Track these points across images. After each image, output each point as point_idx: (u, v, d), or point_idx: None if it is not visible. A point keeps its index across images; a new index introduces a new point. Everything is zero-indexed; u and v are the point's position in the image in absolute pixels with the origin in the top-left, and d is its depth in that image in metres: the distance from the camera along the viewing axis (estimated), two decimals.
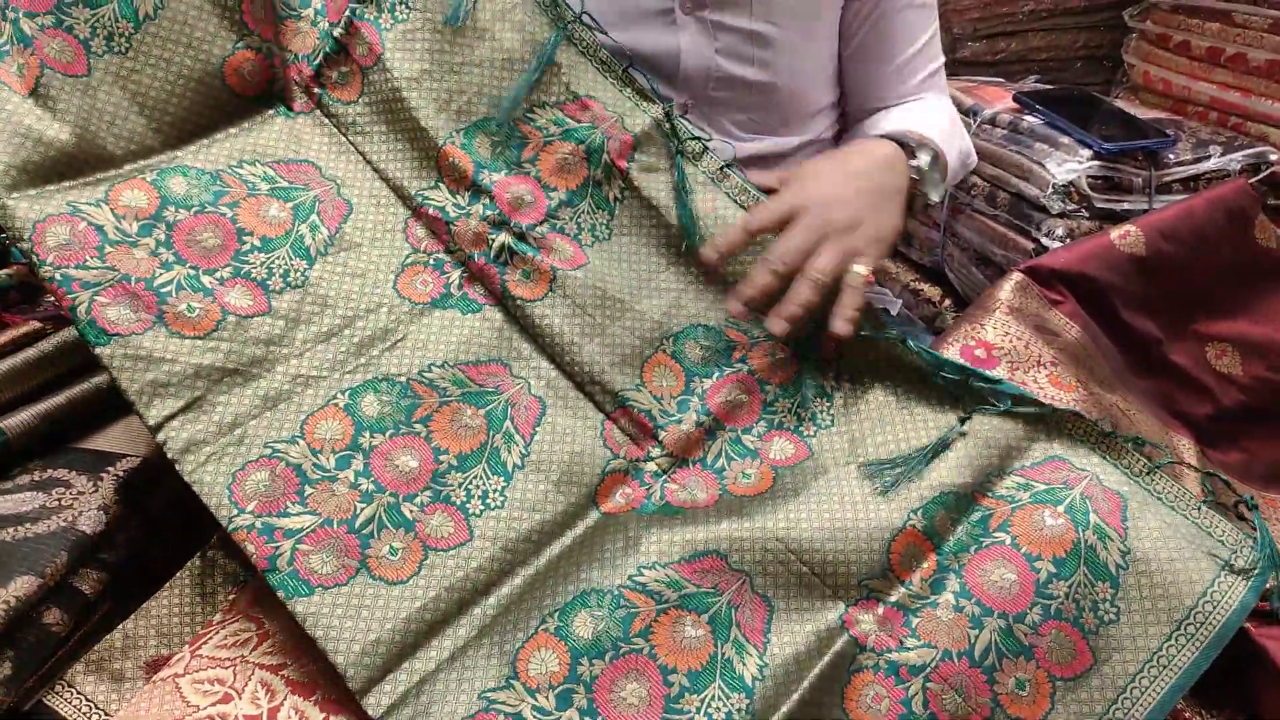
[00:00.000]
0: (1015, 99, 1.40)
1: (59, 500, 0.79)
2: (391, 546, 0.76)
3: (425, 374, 0.84)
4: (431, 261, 0.91)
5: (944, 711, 0.72)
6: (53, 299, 0.90)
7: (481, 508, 0.79)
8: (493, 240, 0.90)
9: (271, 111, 0.94)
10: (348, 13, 0.93)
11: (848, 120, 1.18)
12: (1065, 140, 1.27)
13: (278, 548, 0.74)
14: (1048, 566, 0.74)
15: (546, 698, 0.72)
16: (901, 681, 0.73)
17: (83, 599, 0.76)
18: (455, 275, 0.90)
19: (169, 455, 0.76)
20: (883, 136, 0.98)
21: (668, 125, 0.92)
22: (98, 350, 0.76)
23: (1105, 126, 1.30)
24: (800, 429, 0.86)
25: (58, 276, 0.77)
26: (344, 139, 0.94)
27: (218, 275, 0.82)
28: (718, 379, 0.88)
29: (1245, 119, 1.46)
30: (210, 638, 0.75)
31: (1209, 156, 1.26)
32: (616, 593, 0.76)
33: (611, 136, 0.92)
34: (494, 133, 0.92)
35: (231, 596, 0.79)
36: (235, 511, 0.74)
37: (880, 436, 0.84)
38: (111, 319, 0.77)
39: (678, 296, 0.90)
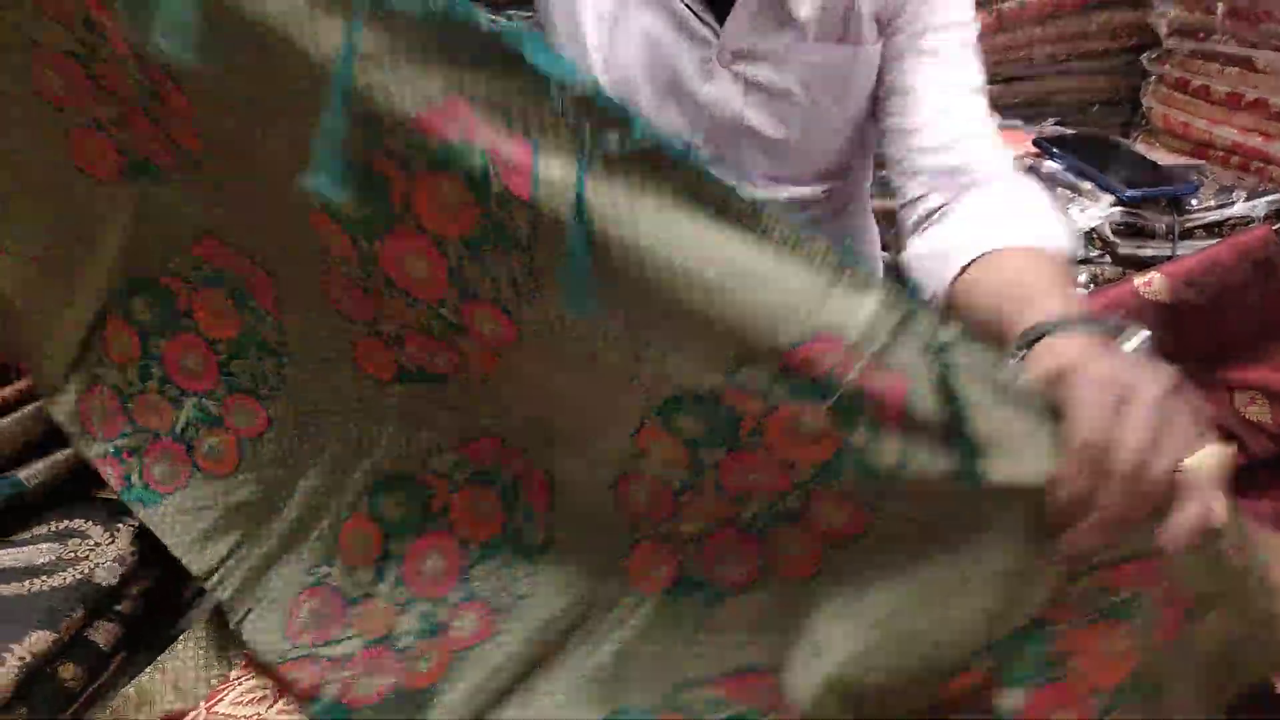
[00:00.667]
0: (1035, 143, 1.40)
1: (75, 552, 0.78)
2: (426, 656, 0.73)
3: (427, 462, 0.79)
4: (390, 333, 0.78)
5: None
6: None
7: (511, 600, 0.74)
8: (429, 322, 0.70)
9: (145, 179, 0.76)
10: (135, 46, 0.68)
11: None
12: (1087, 186, 1.26)
13: (324, 678, 0.73)
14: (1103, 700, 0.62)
15: None
16: None
17: (97, 652, 0.75)
18: (414, 348, 0.75)
19: (223, 600, 0.77)
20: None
21: (575, 111, 0.56)
22: (148, 511, 0.79)
23: (1126, 171, 1.29)
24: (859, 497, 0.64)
25: (110, 450, 0.80)
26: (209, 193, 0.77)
27: (216, 396, 0.81)
28: (729, 454, 0.66)
29: (1267, 164, 1.45)
30: (226, 694, 0.74)
31: (1233, 202, 1.25)
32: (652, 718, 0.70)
33: (496, 151, 0.57)
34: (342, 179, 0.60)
35: (248, 651, 0.78)
36: (289, 646, 0.75)
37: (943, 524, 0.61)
38: (158, 478, 0.80)
39: (636, 355, 0.63)
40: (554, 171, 0.57)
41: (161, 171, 0.75)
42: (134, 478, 0.79)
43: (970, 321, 0.77)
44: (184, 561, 0.78)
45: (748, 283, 0.58)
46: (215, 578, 0.77)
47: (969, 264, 0.85)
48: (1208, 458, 0.60)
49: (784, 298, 0.58)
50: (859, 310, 0.57)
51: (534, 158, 0.57)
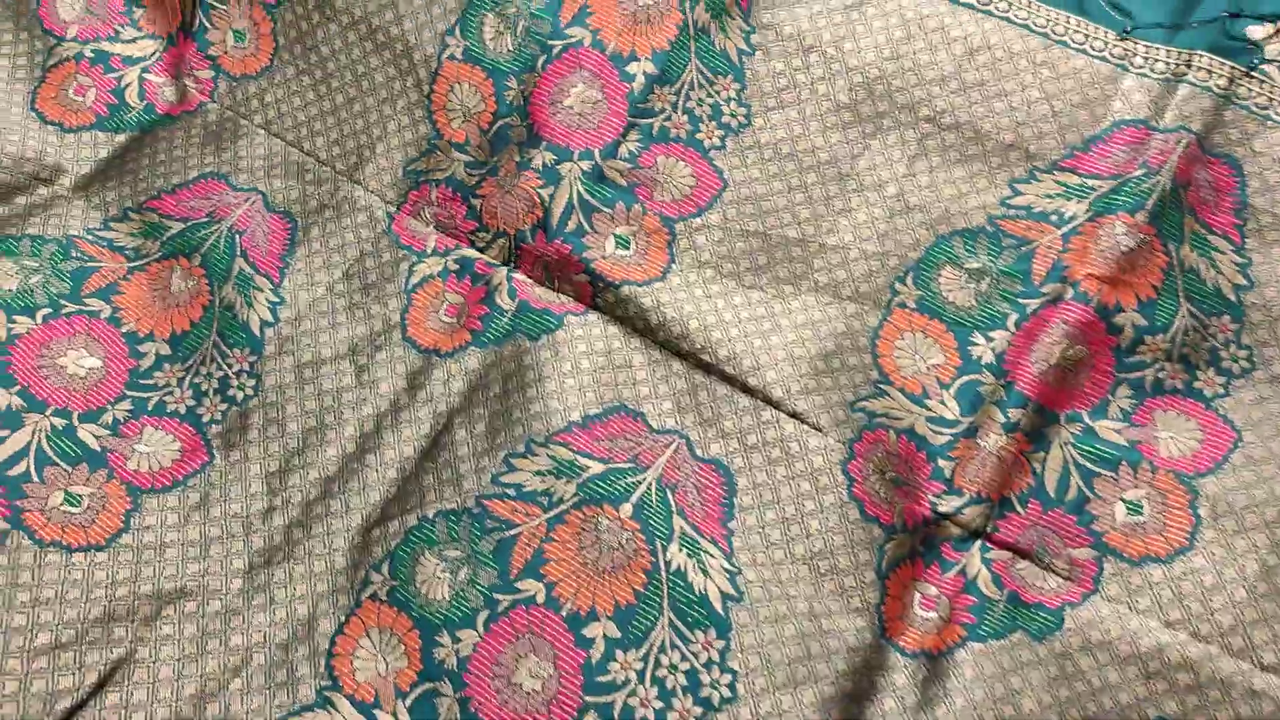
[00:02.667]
0: None
1: None
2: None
3: (501, 479, 0.62)
4: (453, 265, 0.69)
5: None
6: None
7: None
8: (549, 197, 0.67)
9: (133, 130, 0.75)
10: None
11: None
12: None
13: None
14: None
15: None
16: None
17: None
18: (501, 280, 0.67)
19: None
20: None
21: None
22: None
23: None
24: (1196, 383, 0.59)
25: None
26: (250, 125, 0.74)
27: (107, 420, 0.64)
28: (1019, 324, 0.61)
29: None
30: None
31: None
32: None
33: None
34: (503, 4, 0.70)
35: None
36: None
37: None
38: None
39: (891, 184, 0.67)
40: None
41: (173, 120, 0.77)
42: None
43: None
44: None
45: None
46: None
47: None
48: None
49: None
50: None
51: None
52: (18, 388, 0.65)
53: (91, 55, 0.78)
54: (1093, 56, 0.70)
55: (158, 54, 0.79)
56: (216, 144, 0.76)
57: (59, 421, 0.64)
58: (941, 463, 0.60)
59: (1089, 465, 0.59)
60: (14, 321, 0.66)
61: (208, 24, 0.78)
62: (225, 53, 0.78)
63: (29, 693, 0.56)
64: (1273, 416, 0.59)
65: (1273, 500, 0.56)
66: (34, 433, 0.64)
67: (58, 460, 0.63)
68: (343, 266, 0.72)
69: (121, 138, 0.77)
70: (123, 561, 0.61)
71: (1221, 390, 0.60)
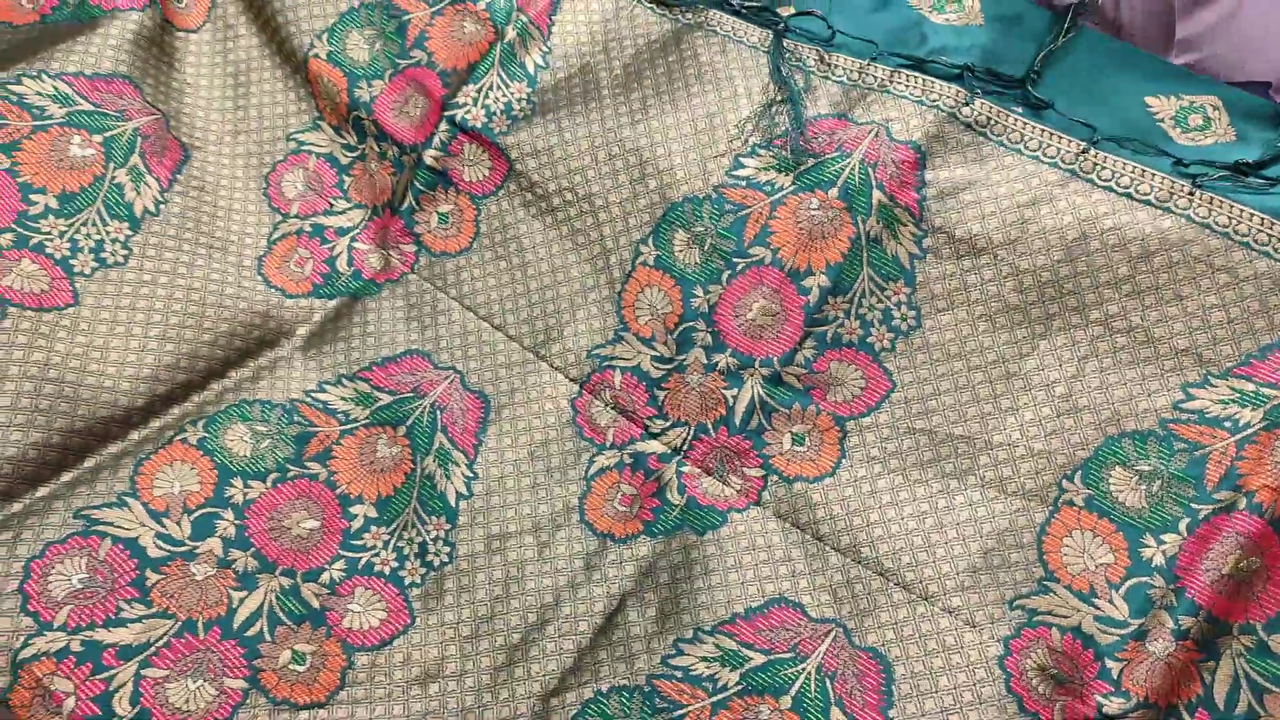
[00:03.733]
0: None
1: None
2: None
3: (670, 660, 0.68)
4: (628, 458, 0.77)
5: None
6: None
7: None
8: (732, 397, 0.76)
9: (344, 295, 0.87)
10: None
11: None
12: None
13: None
14: None
15: None
16: None
17: None
18: (671, 476, 0.75)
19: None
20: None
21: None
22: None
23: None
24: None
25: None
26: (446, 298, 0.86)
27: (325, 579, 0.74)
28: (1191, 529, 0.63)
29: None
30: None
31: None
32: None
33: (881, 159, 0.76)
34: (692, 223, 0.79)
35: None
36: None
37: None
38: None
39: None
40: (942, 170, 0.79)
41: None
42: None
43: None
44: None
45: None
46: None
47: None
48: None
49: None
50: None
51: (920, 163, 0.77)
52: (253, 549, 0.74)
53: (310, 229, 0.88)
54: (1275, 260, 0.69)
55: (364, 222, 0.89)
56: (419, 319, 0.85)
57: (286, 581, 0.73)
58: (1110, 663, 0.61)
59: (1260, 680, 0.58)
60: (249, 486, 0.76)
61: (415, 205, 0.87)
62: (429, 231, 0.88)
63: None
64: None
65: None
66: (266, 593, 0.73)
67: (285, 619, 0.72)
68: (529, 448, 0.79)
69: (334, 303, 0.87)
70: (339, 718, 0.70)
71: None
